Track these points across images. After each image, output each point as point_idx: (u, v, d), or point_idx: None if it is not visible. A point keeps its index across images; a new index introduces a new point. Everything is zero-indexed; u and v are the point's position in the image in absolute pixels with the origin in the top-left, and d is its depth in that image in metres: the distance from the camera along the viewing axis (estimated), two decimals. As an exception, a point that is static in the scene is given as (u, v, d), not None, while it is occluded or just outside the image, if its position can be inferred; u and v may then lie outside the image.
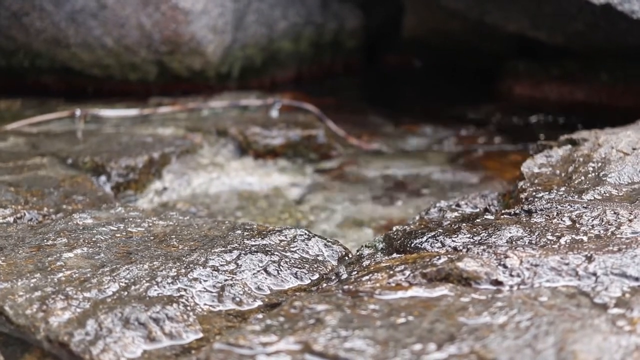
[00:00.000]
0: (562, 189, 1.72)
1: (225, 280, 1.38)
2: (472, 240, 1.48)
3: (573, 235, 1.44)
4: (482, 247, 1.40)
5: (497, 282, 1.24)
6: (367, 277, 1.31)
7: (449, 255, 1.33)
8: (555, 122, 3.53)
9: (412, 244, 1.53)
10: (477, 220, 1.62)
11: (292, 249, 1.54)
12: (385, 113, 3.69)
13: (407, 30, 4.70)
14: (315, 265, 1.49)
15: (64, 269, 1.43)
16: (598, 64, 3.70)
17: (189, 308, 1.28)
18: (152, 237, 1.62)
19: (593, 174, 1.79)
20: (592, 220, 1.49)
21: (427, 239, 1.53)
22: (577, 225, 1.48)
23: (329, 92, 4.13)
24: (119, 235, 1.63)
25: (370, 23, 4.80)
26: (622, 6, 2.93)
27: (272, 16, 4.09)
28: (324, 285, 1.38)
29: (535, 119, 3.60)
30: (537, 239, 1.44)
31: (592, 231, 1.46)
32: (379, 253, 1.57)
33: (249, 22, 3.96)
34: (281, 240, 1.57)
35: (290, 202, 2.49)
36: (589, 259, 1.28)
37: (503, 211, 1.65)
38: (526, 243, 1.43)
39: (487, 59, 4.33)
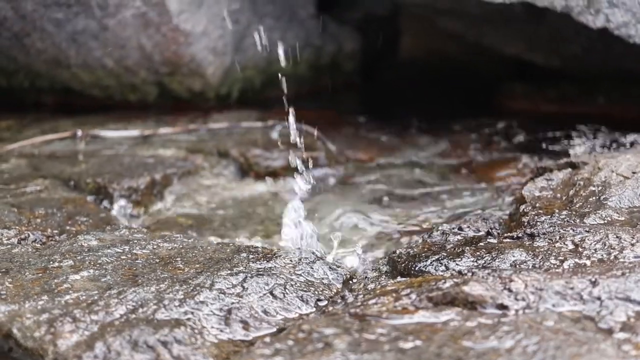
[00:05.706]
0: (564, 212, 1.74)
1: (232, 303, 1.39)
2: (476, 263, 1.50)
3: (576, 259, 1.45)
4: (486, 271, 1.41)
5: (503, 306, 1.25)
6: (373, 301, 1.32)
7: (454, 279, 1.34)
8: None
9: (417, 267, 1.54)
10: (480, 243, 1.63)
11: (297, 272, 1.55)
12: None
13: (404, 52, 4.73)
14: (321, 288, 1.50)
15: (70, 291, 1.43)
16: (594, 86, 3.73)
17: (196, 331, 1.29)
18: (157, 260, 1.62)
19: (594, 198, 1.80)
20: (595, 244, 1.51)
21: (431, 262, 1.54)
22: (580, 249, 1.50)
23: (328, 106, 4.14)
24: (124, 257, 1.64)
25: (368, 45, 4.83)
26: (619, 30, 2.96)
27: (271, 39, 4.12)
28: (331, 308, 1.39)
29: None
30: (541, 263, 1.45)
31: (595, 255, 1.47)
32: (383, 276, 1.59)
33: (248, 44, 3.98)
34: (286, 263, 1.58)
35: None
36: (594, 283, 1.30)
37: (505, 234, 1.67)
38: (530, 267, 1.45)
39: (485, 80, 4.35)
